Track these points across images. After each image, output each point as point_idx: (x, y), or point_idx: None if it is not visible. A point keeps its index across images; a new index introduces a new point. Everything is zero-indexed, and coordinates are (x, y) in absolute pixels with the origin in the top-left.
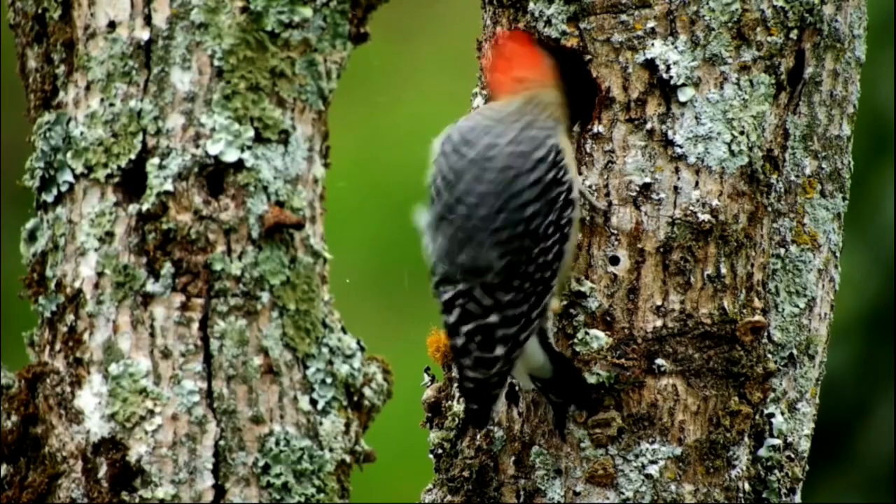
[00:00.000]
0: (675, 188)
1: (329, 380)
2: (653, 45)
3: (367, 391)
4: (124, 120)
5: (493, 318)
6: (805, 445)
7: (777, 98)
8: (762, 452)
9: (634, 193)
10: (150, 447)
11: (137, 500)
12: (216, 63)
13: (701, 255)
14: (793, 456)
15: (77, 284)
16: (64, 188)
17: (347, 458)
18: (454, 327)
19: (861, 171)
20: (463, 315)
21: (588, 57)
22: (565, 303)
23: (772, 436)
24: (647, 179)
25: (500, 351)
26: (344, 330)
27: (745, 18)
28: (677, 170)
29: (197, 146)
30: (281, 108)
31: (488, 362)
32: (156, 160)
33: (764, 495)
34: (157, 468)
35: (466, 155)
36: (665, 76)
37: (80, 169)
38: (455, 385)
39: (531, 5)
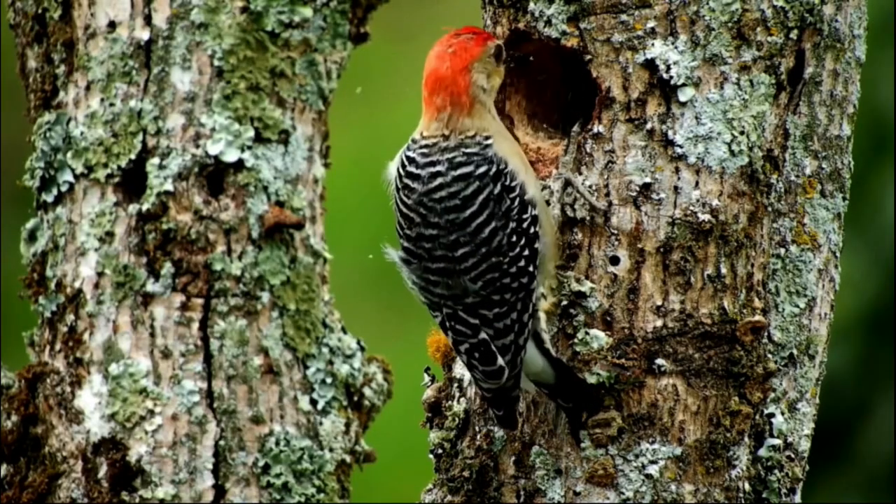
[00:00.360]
0: (676, 188)
1: (329, 380)
2: (653, 45)
3: (367, 391)
4: (124, 120)
5: (484, 335)
6: (805, 445)
7: (777, 98)
8: (762, 452)
9: (634, 193)
10: (150, 447)
11: (137, 500)
12: (216, 63)
13: (701, 255)
14: (793, 456)
15: (77, 284)
16: (64, 188)
17: (347, 458)
18: (454, 346)
19: (861, 171)
20: (456, 336)
21: (588, 57)
22: (565, 303)
23: (772, 436)
24: (648, 179)
25: (502, 361)
26: (344, 330)
27: (745, 18)
28: (677, 170)
29: (197, 146)
30: (281, 108)
31: (495, 374)
32: (156, 160)
33: (764, 495)
34: (157, 468)
35: (416, 189)
36: (665, 76)
37: (80, 169)
38: (455, 385)
39: (531, 5)
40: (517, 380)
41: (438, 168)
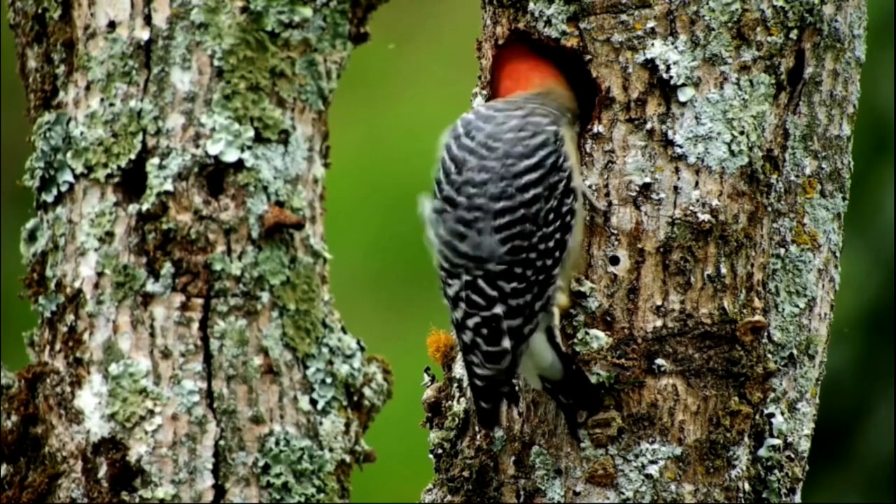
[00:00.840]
0: (675, 188)
1: (329, 380)
2: (653, 45)
3: (367, 391)
4: (124, 120)
5: (498, 310)
6: (805, 445)
7: (777, 98)
8: (762, 452)
9: (634, 193)
10: (150, 447)
11: (137, 500)
12: (216, 63)
13: (701, 255)
14: (793, 456)
15: (77, 284)
16: (64, 188)
17: (347, 458)
18: (461, 323)
19: (861, 171)
20: (468, 308)
21: (588, 57)
22: None
23: (772, 436)
24: (647, 179)
25: (506, 343)
26: (344, 330)
27: (745, 18)
28: (677, 170)
29: (197, 146)
30: (281, 108)
31: (496, 356)
32: (156, 160)
33: (764, 495)
34: (157, 468)
35: (467, 144)
36: (665, 76)
37: (80, 169)
38: (455, 385)
39: (531, 5)
40: (511, 372)
41: (519, 112)
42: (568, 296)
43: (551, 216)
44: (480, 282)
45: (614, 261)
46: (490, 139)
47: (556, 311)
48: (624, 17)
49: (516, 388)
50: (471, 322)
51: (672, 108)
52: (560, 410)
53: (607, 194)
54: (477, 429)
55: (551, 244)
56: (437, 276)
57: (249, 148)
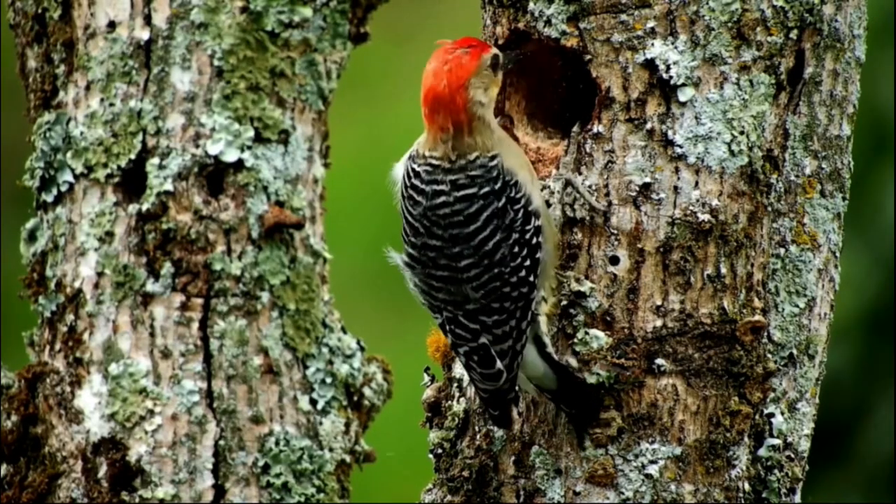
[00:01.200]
0: (675, 188)
1: (329, 380)
2: (653, 45)
3: (367, 391)
4: (124, 120)
5: (484, 340)
6: (805, 445)
7: (777, 98)
8: (762, 452)
9: (634, 193)
10: (150, 447)
11: (137, 500)
12: (216, 63)
13: (701, 255)
14: (793, 456)
15: (77, 284)
16: (64, 188)
17: (347, 458)
18: (453, 348)
19: (861, 171)
20: (456, 339)
21: (588, 57)
22: (565, 303)
23: (772, 436)
24: (647, 179)
25: (500, 365)
26: (344, 330)
27: (745, 18)
28: (677, 170)
29: (197, 146)
30: (281, 108)
31: (492, 377)
32: (156, 160)
33: (764, 495)
34: (157, 468)
35: (420, 203)
36: (665, 76)
37: (80, 169)
38: (455, 385)
39: (531, 5)
40: (513, 383)
41: (442, 188)
42: (552, 298)
43: (517, 248)
44: (461, 318)
45: (614, 261)
46: (429, 213)
47: (542, 319)
48: (624, 17)
49: (517, 388)
50: (461, 350)
51: (672, 108)
52: (561, 412)
53: (607, 194)
54: (477, 429)
55: (523, 273)
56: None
57: (249, 148)
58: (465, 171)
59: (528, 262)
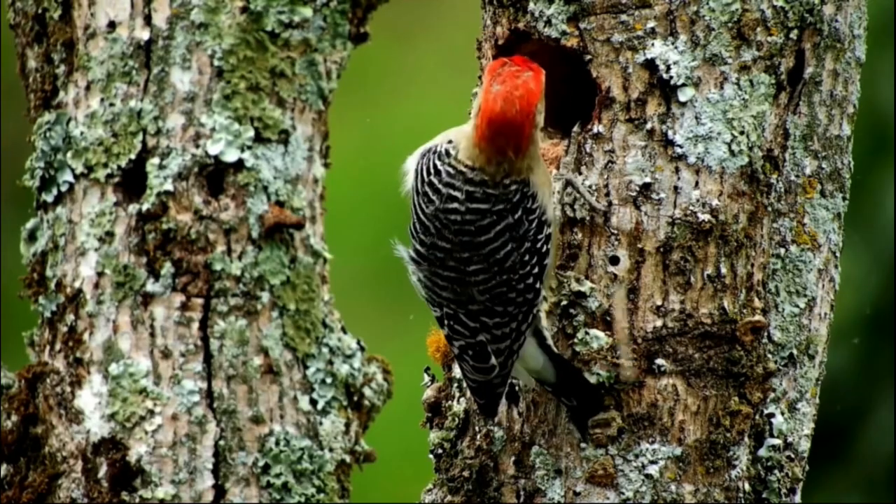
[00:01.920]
0: (675, 188)
1: (329, 380)
2: (653, 45)
3: (367, 391)
4: (124, 120)
5: (482, 338)
6: (805, 445)
7: (777, 98)
8: (762, 452)
9: (634, 193)
10: (150, 447)
11: (137, 500)
12: (216, 63)
13: (701, 255)
14: (793, 456)
15: (77, 284)
16: (64, 188)
17: (347, 458)
18: (448, 339)
19: (861, 171)
20: (452, 333)
21: (588, 57)
22: (565, 303)
23: (772, 436)
24: (647, 179)
25: (494, 361)
26: (344, 330)
27: (745, 18)
28: (677, 170)
29: (197, 146)
30: (281, 108)
31: (485, 370)
32: (156, 160)
33: (764, 495)
34: (157, 468)
35: (433, 201)
36: (665, 76)
37: (80, 169)
38: (455, 385)
39: (531, 5)
40: (505, 379)
41: (456, 194)
42: (552, 297)
43: (527, 256)
44: (462, 315)
45: (614, 261)
46: (441, 214)
47: (541, 314)
48: (624, 17)
49: (517, 388)
50: (456, 343)
51: (672, 108)
52: (561, 410)
53: (607, 194)
54: (477, 429)
55: (531, 280)
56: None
57: (249, 148)
58: (483, 186)
59: (536, 270)
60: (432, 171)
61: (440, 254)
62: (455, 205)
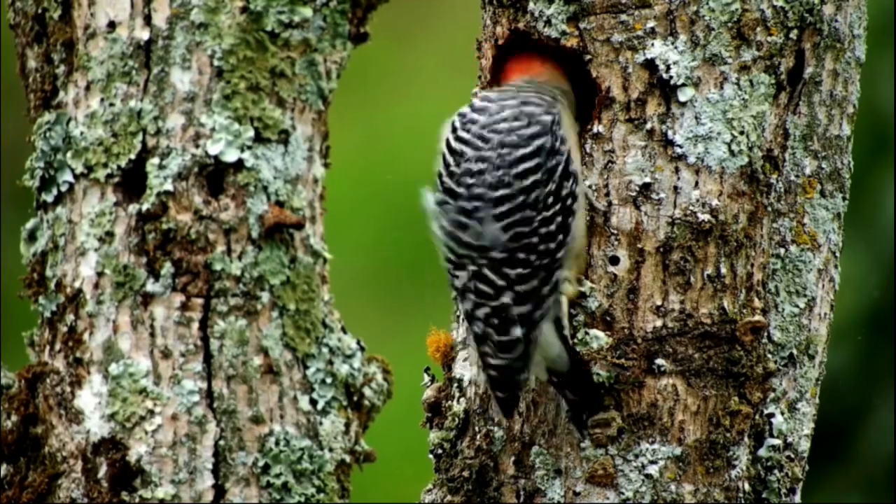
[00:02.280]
0: (675, 188)
1: (329, 380)
2: (653, 45)
3: (367, 391)
4: (124, 120)
5: (506, 299)
6: (805, 445)
7: (777, 98)
8: (762, 452)
9: (634, 193)
10: (150, 447)
11: (137, 500)
12: (216, 63)
13: (701, 255)
14: (793, 456)
15: (77, 284)
16: (64, 188)
17: (347, 458)
18: (471, 314)
19: (861, 171)
20: (477, 298)
21: (588, 57)
22: None
23: (772, 436)
24: (647, 179)
25: (517, 332)
26: (344, 330)
27: (745, 18)
28: (677, 170)
29: (197, 146)
30: (281, 108)
31: (508, 345)
32: (156, 160)
33: (764, 495)
34: (157, 468)
35: (464, 136)
36: (665, 76)
37: (80, 169)
38: (455, 385)
39: (531, 5)
40: (526, 361)
41: (511, 101)
42: (575, 286)
43: (550, 199)
44: (486, 271)
45: (614, 261)
46: (485, 129)
47: (564, 300)
48: (624, 17)
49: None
50: (481, 312)
51: (672, 108)
52: (560, 410)
53: (607, 194)
54: (477, 429)
55: (553, 227)
56: (444, 269)
57: (249, 148)
58: (539, 92)
59: (559, 219)
60: (479, 98)
61: (470, 180)
62: (507, 112)
